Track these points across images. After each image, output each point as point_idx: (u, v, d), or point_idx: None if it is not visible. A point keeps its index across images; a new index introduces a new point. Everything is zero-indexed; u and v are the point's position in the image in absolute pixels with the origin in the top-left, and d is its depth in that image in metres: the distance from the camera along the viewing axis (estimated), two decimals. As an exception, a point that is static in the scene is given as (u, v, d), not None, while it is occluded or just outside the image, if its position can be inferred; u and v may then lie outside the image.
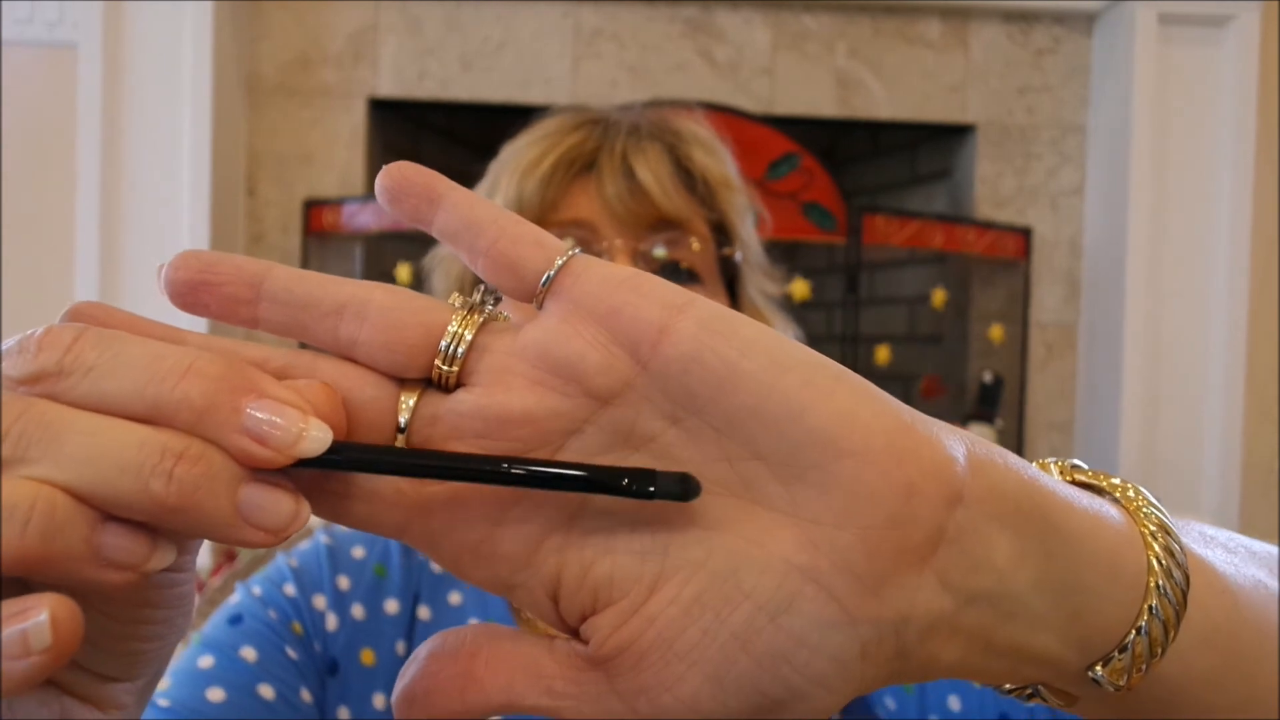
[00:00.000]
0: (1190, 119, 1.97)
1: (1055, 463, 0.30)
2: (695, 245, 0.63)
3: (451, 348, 0.25)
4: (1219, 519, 1.97)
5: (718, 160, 0.65)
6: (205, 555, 1.76)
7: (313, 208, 1.94)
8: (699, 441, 0.24)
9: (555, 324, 0.25)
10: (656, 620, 0.24)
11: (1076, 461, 0.30)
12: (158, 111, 1.80)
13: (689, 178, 0.64)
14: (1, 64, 1.93)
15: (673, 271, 0.62)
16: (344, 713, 0.61)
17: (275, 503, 0.23)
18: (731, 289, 0.67)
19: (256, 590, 0.63)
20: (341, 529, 0.69)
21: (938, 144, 2.22)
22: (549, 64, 2.00)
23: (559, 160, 0.62)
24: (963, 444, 0.25)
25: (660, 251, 0.63)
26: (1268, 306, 2.09)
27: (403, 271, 1.86)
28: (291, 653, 0.61)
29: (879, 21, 2.05)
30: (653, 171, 0.62)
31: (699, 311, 0.24)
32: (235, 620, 0.61)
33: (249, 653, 0.59)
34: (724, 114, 1.82)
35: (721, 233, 0.66)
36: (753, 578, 0.23)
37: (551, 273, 0.25)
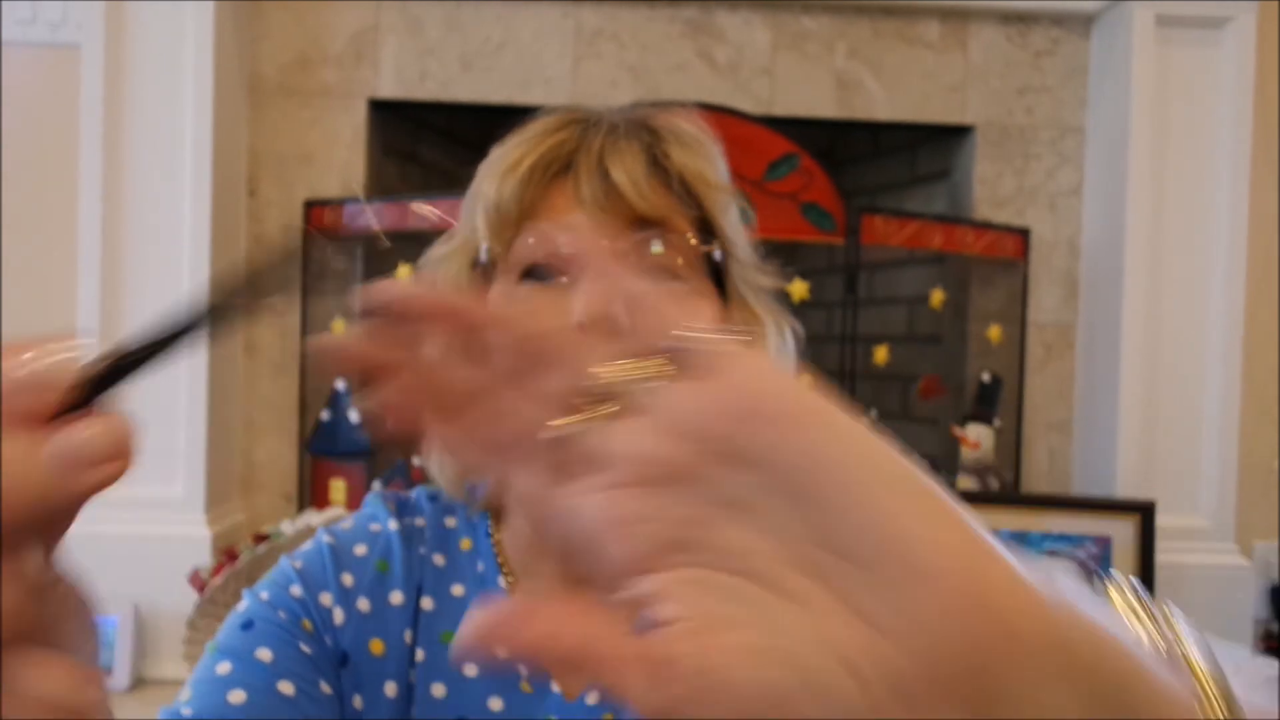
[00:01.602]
0: (1188, 120, 1.98)
1: (1128, 590, 0.29)
2: (679, 245, 0.63)
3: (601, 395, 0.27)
4: (1217, 518, 1.97)
5: (696, 156, 0.65)
6: (207, 555, 1.77)
7: (313, 208, 1.94)
8: (789, 523, 0.25)
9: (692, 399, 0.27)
10: (716, 654, 0.25)
11: (1145, 593, 0.29)
12: (159, 112, 1.81)
13: (666, 175, 0.63)
14: (3, 64, 1.94)
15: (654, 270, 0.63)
16: (358, 701, 0.64)
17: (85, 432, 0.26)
18: (720, 285, 0.67)
19: (264, 595, 0.65)
20: (342, 529, 0.70)
21: (937, 144, 2.23)
22: (549, 64, 2.01)
23: (536, 162, 0.62)
24: (1044, 588, 0.24)
25: (657, 248, 0.63)
26: (1266, 306, 2.10)
27: (403, 272, 1.86)
28: (305, 648, 0.63)
29: (878, 22, 2.06)
30: (627, 171, 0.62)
31: (819, 414, 0.26)
32: (247, 625, 0.63)
33: (264, 653, 0.62)
34: (723, 114, 1.83)
35: (704, 230, 0.66)
36: (806, 651, 0.24)
37: (689, 352, 0.27)
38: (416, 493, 0.75)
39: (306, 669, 0.62)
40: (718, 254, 0.66)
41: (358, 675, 0.64)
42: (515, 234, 0.63)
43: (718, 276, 0.67)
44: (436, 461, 0.71)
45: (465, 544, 0.71)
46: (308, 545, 0.69)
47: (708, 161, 0.66)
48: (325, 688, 0.63)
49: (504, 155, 0.64)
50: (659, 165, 0.63)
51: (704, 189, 0.65)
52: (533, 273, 0.63)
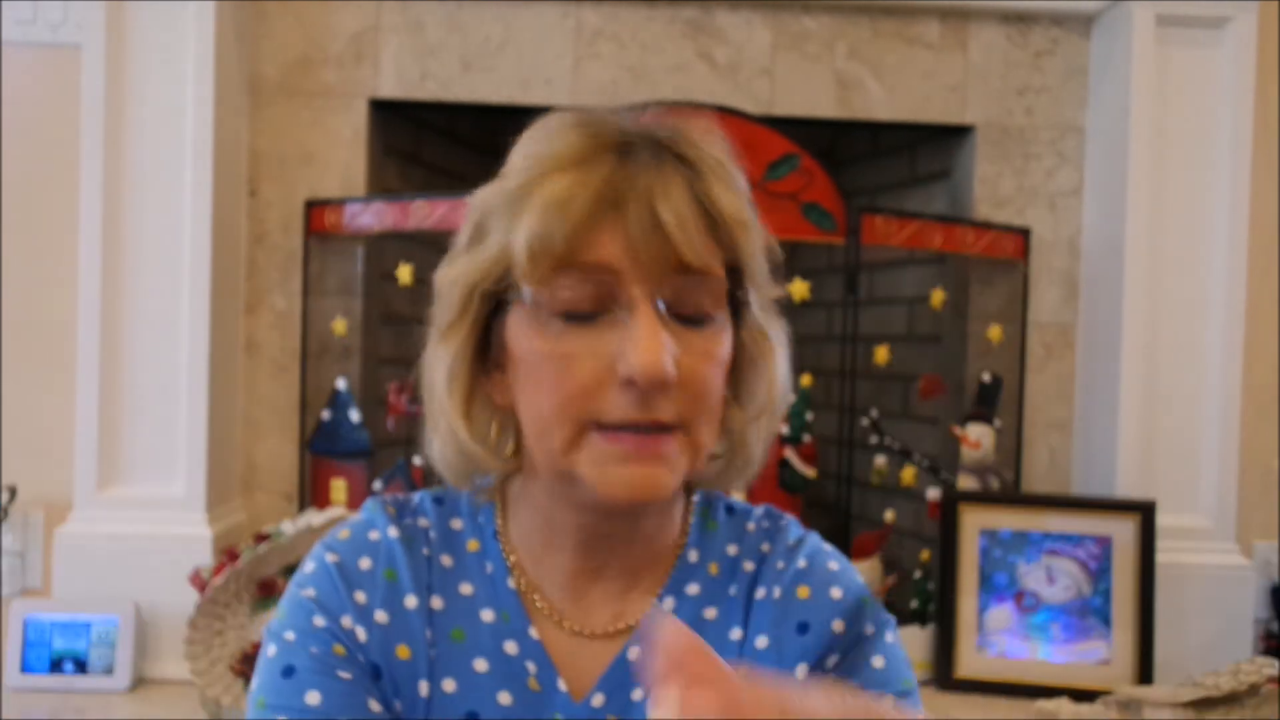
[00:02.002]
0: (1188, 120, 1.98)
1: None
2: (713, 288, 0.64)
3: None
4: (1217, 518, 1.97)
5: (735, 195, 0.65)
6: (208, 555, 1.77)
7: (314, 208, 1.94)
8: None
9: None
10: None
11: None
12: (160, 112, 1.81)
13: (710, 219, 0.63)
14: (3, 65, 1.94)
15: (688, 317, 0.63)
16: (398, 706, 0.67)
17: None
18: (735, 311, 0.68)
19: (289, 635, 0.67)
20: (340, 539, 0.72)
21: (937, 145, 2.23)
22: (549, 64, 2.01)
23: (588, 200, 0.60)
24: None
25: (698, 294, 0.63)
26: (1266, 306, 2.10)
27: (404, 272, 1.86)
28: (345, 674, 0.66)
29: (878, 22, 2.06)
30: (676, 215, 0.61)
31: None
32: (287, 672, 0.66)
33: (313, 697, 0.64)
34: (723, 114, 1.83)
35: (734, 267, 0.66)
36: None
37: None
38: (420, 496, 0.76)
39: (354, 696, 0.65)
40: (751, 297, 0.67)
41: (393, 682, 0.67)
42: (555, 269, 0.61)
43: (735, 305, 0.67)
44: (439, 453, 0.71)
45: (472, 545, 0.73)
46: (311, 567, 0.70)
47: (744, 197, 0.66)
48: (375, 705, 0.66)
49: (544, 182, 0.62)
50: (702, 206, 0.62)
51: (742, 233, 0.65)
52: (574, 313, 0.62)
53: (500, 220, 0.64)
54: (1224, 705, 1.65)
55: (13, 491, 1.89)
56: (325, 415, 1.92)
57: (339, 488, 1.90)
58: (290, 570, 1.70)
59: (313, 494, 1.93)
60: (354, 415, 1.89)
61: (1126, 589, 1.87)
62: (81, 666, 1.74)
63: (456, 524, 0.73)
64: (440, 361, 0.68)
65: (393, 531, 0.71)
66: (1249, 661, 1.68)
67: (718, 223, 0.63)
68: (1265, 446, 2.11)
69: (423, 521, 0.73)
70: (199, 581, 1.65)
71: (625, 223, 0.60)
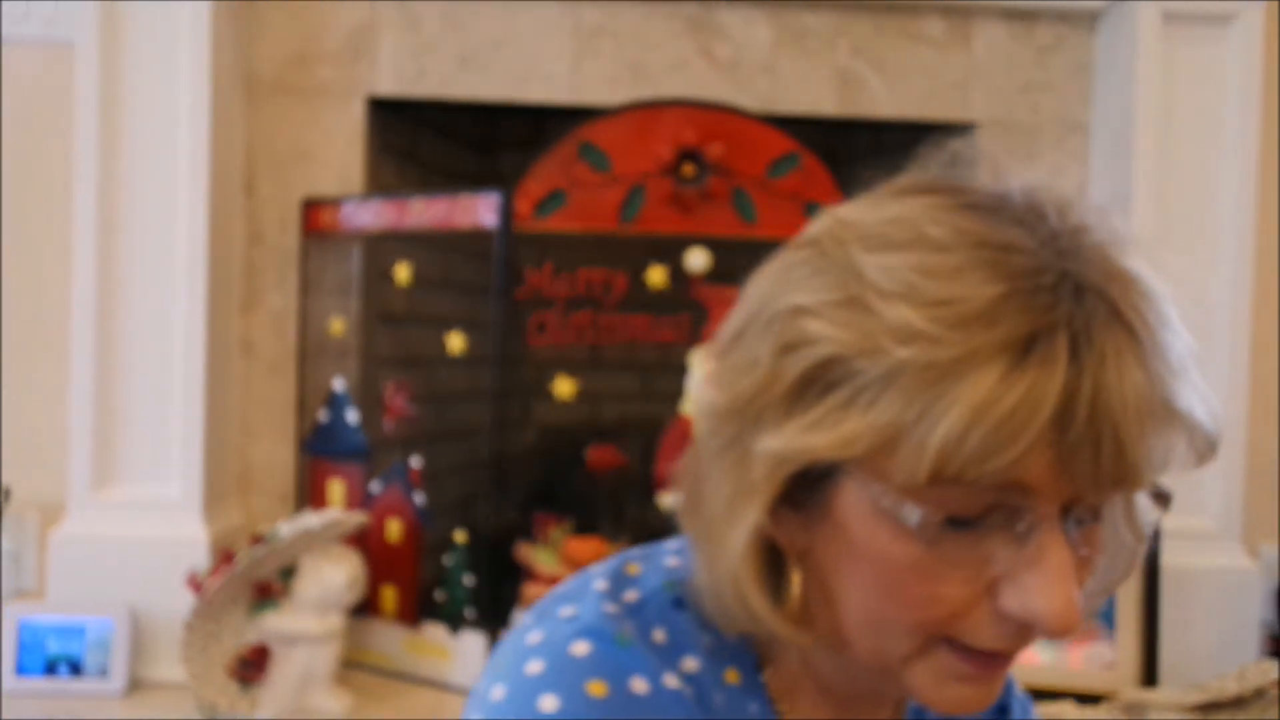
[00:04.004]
0: (1193, 117, 1.96)
1: None
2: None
3: None
4: (1222, 518, 1.96)
5: (1194, 391, 0.53)
6: (204, 556, 1.76)
7: (310, 207, 1.93)
8: None
9: None
10: None
11: None
12: (155, 109, 1.79)
13: (1165, 423, 0.49)
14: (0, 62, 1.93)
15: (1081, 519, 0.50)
16: None
17: None
18: None
19: None
20: (596, 698, 0.52)
21: (940, 142, 2.21)
22: (548, 62, 1.99)
23: (1041, 422, 0.44)
24: None
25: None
26: (1272, 306, 2.08)
27: (401, 271, 1.84)
28: None
29: (880, 19, 2.04)
30: (1141, 433, 0.47)
31: None
32: None
33: None
34: (724, 112, 1.81)
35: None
36: None
37: None
38: (648, 589, 0.58)
39: None
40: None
41: None
42: (953, 482, 0.46)
43: None
44: (712, 595, 0.56)
45: (731, 676, 0.58)
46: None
47: (1198, 388, 0.52)
48: None
49: (969, 375, 0.45)
50: (1163, 410, 0.48)
51: (1192, 435, 0.50)
52: (955, 519, 0.48)
53: (880, 393, 0.46)
54: (1230, 709, 1.63)
55: (7, 493, 1.87)
56: (322, 416, 1.90)
57: (336, 489, 1.89)
58: (288, 573, 1.68)
59: (310, 495, 1.91)
60: (351, 416, 1.88)
61: (1131, 592, 1.86)
62: (76, 669, 1.72)
63: (707, 640, 0.57)
64: (732, 516, 0.53)
65: (671, 681, 0.54)
66: (1255, 665, 1.67)
67: (1173, 428, 0.49)
68: (1271, 448, 2.10)
69: (658, 635, 0.56)
70: (195, 584, 1.63)
71: (1067, 439, 0.45)
